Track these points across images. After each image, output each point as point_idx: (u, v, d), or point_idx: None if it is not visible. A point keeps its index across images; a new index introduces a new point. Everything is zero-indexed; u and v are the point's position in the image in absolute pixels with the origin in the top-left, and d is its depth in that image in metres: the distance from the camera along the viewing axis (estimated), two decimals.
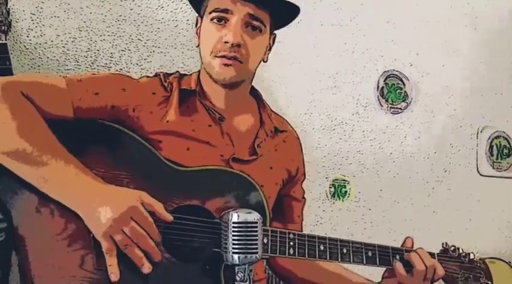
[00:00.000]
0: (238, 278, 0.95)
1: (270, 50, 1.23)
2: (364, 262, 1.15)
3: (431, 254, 1.22)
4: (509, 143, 2.08)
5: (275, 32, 1.24)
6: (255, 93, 1.28)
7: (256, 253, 0.97)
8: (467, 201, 2.01)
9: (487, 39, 2.07)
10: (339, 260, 1.13)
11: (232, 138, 1.19)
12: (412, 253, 1.18)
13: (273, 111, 1.31)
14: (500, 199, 2.05)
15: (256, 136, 1.22)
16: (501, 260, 1.95)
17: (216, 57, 1.13)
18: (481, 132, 2.06)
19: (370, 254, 1.15)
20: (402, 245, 1.23)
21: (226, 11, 1.13)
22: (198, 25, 1.21)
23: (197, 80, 1.21)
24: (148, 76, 1.22)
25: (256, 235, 0.97)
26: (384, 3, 1.95)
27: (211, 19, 1.15)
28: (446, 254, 1.25)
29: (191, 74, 1.24)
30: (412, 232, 1.93)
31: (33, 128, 0.99)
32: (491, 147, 2.06)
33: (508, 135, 2.08)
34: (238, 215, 0.98)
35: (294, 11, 1.20)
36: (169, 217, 1.00)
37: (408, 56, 1.98)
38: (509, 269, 1.94)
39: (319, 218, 1.83)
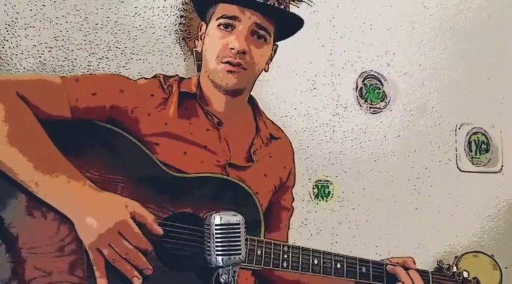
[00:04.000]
0: (222, 281, 0.95)
1: (271, 60, 1.24)
2: (358, 277, 1.15)
3: (426, 272, 1.22)
4: (487, 138, 2.11)
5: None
6: (251, 100, 1.28)
7: (240, 254, 0.97)
8: (448, 197, 2.03)
9: (462, 37, 2.11)
10: (333, 274, 1.12)
11: (229, 143, 1.19)
12: (404, 272, 1.18)
13: (268, 118, 1.31)
14: (481, 194, 2.08)
15: (252, 143, 1.23)
16: (484, 253, 1.99)
17: (221, 63, 1.13)
18: (459, 128, 2.09)
19: (364, 270, 1.16)
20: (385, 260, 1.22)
21: (234, 18, 1.13)
22: (202, 31, 1.21)
23: (197, 84, 1.21)
24: (146, 78, 1.21)
25: (239, 236, 0.97)
26: (360, 5, 1.97)
27: (218, 25, 1.14)
28: (441, 272, 1.26)
29: (190, 78, 1.23)
30: (396, 229, 1.96)
31: (27, 131, 0.97)
32: (469, 143, 2.09)
33: (485, 131, 2.12)
34: (220, 218, 0.98)
35: (299, 23, 1.21)
36: (159, 231, 0.99)
37: (385, 56, 2.01)
38: (491, 262, 1.98)
39: (303, 219, 1.84)
